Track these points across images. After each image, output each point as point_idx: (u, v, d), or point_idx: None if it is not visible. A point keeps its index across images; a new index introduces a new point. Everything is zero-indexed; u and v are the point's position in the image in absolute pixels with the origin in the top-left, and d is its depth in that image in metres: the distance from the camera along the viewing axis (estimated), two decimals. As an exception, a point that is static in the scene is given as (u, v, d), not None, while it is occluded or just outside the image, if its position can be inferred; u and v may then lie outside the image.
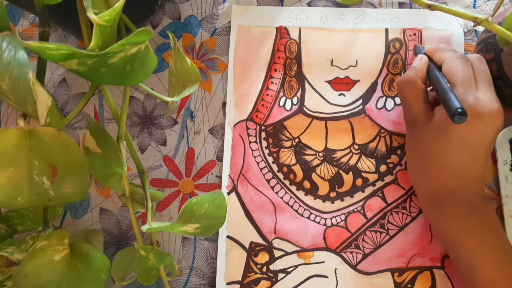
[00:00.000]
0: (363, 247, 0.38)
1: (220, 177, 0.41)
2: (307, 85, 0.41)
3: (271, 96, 0.42)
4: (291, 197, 0.40)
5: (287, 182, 0.40)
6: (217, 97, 0.43)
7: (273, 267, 0.39)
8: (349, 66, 0.41)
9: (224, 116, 0.42)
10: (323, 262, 0.38)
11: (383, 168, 0.39)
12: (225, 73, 0.43)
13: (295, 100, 0.41)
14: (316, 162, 0.40)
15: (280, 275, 0.39)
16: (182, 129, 0.43)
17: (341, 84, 0.41)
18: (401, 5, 0.42)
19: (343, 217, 0.39)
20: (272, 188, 0.40)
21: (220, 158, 0.42)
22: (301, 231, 0.39)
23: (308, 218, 0.39)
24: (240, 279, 0.39)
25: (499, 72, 0.33)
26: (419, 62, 0.35)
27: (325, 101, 0.41)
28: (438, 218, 0.35)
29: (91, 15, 0.25)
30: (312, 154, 0.40)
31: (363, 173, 0.40)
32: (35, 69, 0.27)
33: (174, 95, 0.35)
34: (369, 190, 0.39)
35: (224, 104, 0.42)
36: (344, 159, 0.40)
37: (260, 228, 0.40)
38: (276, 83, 0.42)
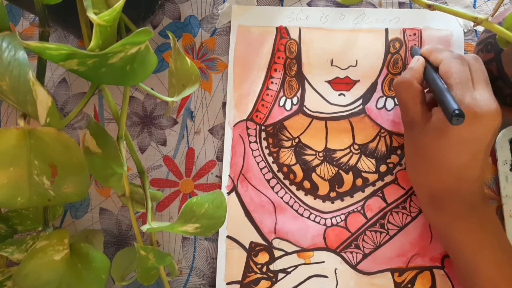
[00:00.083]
0: (363, 247, 0.38)
1: (220, 177, 0.41)
2: (307, 85, 0.41)
3: (271, 96, 0.42)
4: (291, 197, 0.40)
5: (287, 182, 0.40)
6: (217, 97, 0.43)
7: (273, 267, 0.39)
8: (349, 66, 0.41)
9: (224, 116, 0.42)
10: (323, 262, 0.39)
11: (383, 168, 0.39)
12: (225, 73, 0.43)
13: (295, 100, 0.41)
14: (316, 162, 0.40)
15: (280, 275, 0.39)
16: (182, 129, 0.43)
17: (341, 84, 0.41)
18: (401, 5, 0.42)
19: (343, 217, 0.39)
20: (272, 188, 0.40)
21: (220, 158, 0.42)
22: (301, 231, 0.39)
23: (308, 218, 0.39)
24: (240, 279, 0.39)
25: (499, 72, 0.33)
26: (416, 63, 0.35)
27: (325, 101, 0.41)
28: (438, 218, 0.35)
29: (91, 15, 0.25)
30: (312, 154, 0.40)
31: (363, 173, 0.40)
32: (35, 69, 0.27)
33: (174, 95, 0.35)
34: (369, 190, 0.39)
35: (224, 104, 0.42)
36: (344, 159, 0.40)
37: (260, 228, 0.40)
38: (276, 83, 0.42)
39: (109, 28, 0.26)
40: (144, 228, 0.31)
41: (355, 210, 0.39)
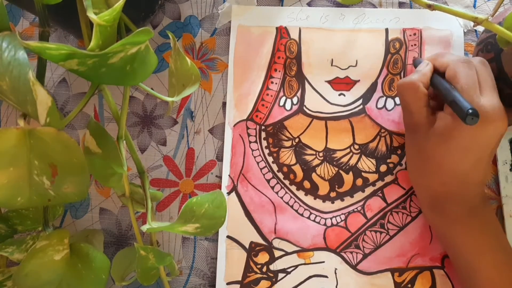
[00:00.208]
0: (363, 247, 0.38)
1: (220, 177, 0.41)
2: (307, 85, 0.41)
3: (271, 96, 0.42)
4: (291, 197, 0.40)
5: (287, 182, 0.40)
6: (217, 97, 0.43)
7: (273, 267, 0.39)
8: (349, 66, 0.41)
9: (224, 116, 0.42)
10: (323, 262, 0.39)
11: (383, 168, 0.39)
12: (225, 73, 0.43)
13: (295, 100, 0.41)
14: (316, 162, 0.40)
15: (280, 275, 0.39)
16: (182, 129, 0.43)
17: (341, 84, 0.41)
18: (401, 5, 0.42)
19: (343, 217, 0.39)
20: (272, 188, 0.40)
21: (220, 158, 0.42)
22: (301, 231, 0.39)
23: (308, 218, 0.39)
24: (240, 279, 0.39)
25: (499, 72, 0.33)
26: (425, 68, 0.34)
27: (325, 101, 0.41)
28: (438, 220, 0.35)
29: (91, 15, 0.25)
30: (312, 154, 0.40)
31: (363, 173, 0.40)
32: (35, 69, 0.27)
33: (174, 95, 0.35)
34: (369, 190, 0.39)
35: (224, 104, 0.42)
36: (344, 159, 0.40)
37: (260, 228, 0.40)
38: (276, 83, 0.42)
39: (109, 28, 0.26)
40: (144, 228, 0.31)
41: (355, 210, 0.39)
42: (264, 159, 0.41)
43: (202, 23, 0.44)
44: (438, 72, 0.34)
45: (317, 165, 0.40)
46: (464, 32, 0.40)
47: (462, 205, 0.33)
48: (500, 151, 0.37)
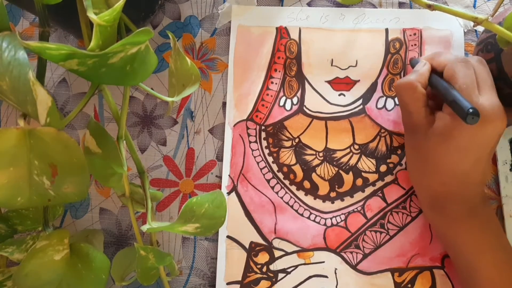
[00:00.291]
0: (363, 247, 0.38)
1: (220, 177, 0.41)
2: (307, 85, 0.41)
3: (271, 96, 0.42)
4: (291, 197, 0.40)
5: (287, 182, 0.40)
6: (217, 97, 0.43)
7: (273, 267, 0.39)
8: (349, 66, 0.41)
9: (224, 116, 0.42)
10: (323, 262, 0.39)
11: (383, 168, 0.39)
12: (225, 73, 0.43)
13: (295, 100, 0.41)
14: (316, 162, 0.40)
15: (280, 275, 0.39)
16: (182, 129, 0.43)
17: (341, 84, 0.41)
18: (401, 5, 0.42)
19: (343, 217, 0.39)
20: (272, 188, 0.40)
21: (220, 158, 0.42)
22: (301, 231, 0.39)
23: (308, 218, 0.39)
24: (240, 279, 0.39)
25: (499, 72, 0.33)
26: (422, 68, 0.34)
27: (325, 101, 0.41)
28: (438, 220, 0.35)
29: (91, 15, 0.25)
30: (312, 154, 0.40)
31: (363, 173, 0.40)
32: (35, 69, 0.27)
33: (174, 95, 0.35)
34: (369, 190, 0.39)
35: (224, 104, 0.42)
36: (344, 159, 0.40)
37: (260, 228, 0.40)
38: (276, 83, 0.42)
39: (109, 28, 0.26)
40: (144, 228, 0.31)
41: (355, 210, 0.39)
42: (264, 159, 0.41)
43: (202, 23, 0.44)
44: (436, 72, 0.34)
45: (317, 165, 0.40)
46: (464, 32, 0.40)
47: (462, 205, 0.33)
48: (500, 151, 0.37)
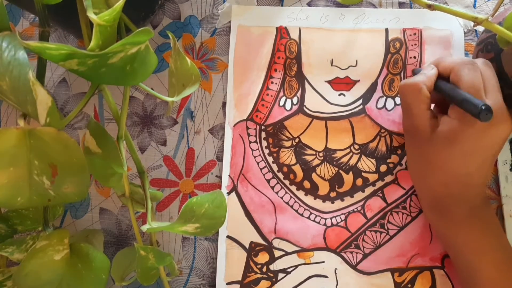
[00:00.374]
0: (363, 247, 0.38)
1: (220, 177, 0.41)
2: (307, 85, 0.41)
3: (271, 96, 0.42)
4: (291, 197, 0.40)
5: (287, 182, 0.40)
6: (217, 97, 0.43)
7: (273, 267, 0.39)
8: (349, 66, 0.41)
9: (224, 116, 0.42)
10: (323, 262, 0.38)
11: (383, 168, 0.39)
12: (225, 73, 0.43)
13: (295, 100, 0.41)
14: (316, 162, 0.40)
15: (280, 275, 0.39)
16: (182, 129, 0.43)
17: (341, 84, 0.41)
18: (401, 5, 0.42)
19: (343, 217, 0.39)
20: (272, 188, 0.40)
21: (220, 158, 0.42)
22: (301, 231, 0.39)
23: (308, 218, 0.39)
24: (240, 279, 0.39)
25: (499, 72, 0.33)
26: (430, 71, 0.34)
27: (325, 101, 0.41)
28: (439, 220, 0.35)
29: (91, 15, 0.25)
30: (312, 154, 0.40)
31: (363, 173, 0.39)
32: (35, 69, 0.27)
33: (174, 95, 0.35)
34: (369, 190, 0.39)
35: (224, 104, 0.42)
36: (344, 159, 0.40)
37: (260, 228, 0.40)
38: (276, 83, 0.42)
39: (109, 28, 0.26)
40: (144, 228, 0.31)
41: (355, 210, 0.39)
42: (264, 159, 0.41)
43: (202, 23, 0.44)
44: (441, 78, 0.34)
45: (317, 165, 0.40)
46: (464, 32, 0.40)
47: (463, 206, 0.33)
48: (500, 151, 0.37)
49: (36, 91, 0.24)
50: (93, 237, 0.39)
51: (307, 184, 0.40)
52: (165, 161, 0.42)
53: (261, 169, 0.41)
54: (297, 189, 0.40)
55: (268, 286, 0.39)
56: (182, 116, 0.43)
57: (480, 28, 0.40)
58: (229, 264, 0.39)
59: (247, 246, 0.39)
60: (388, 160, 0.40)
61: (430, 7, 0.33)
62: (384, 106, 0.40)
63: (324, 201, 0.40)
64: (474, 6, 0.41)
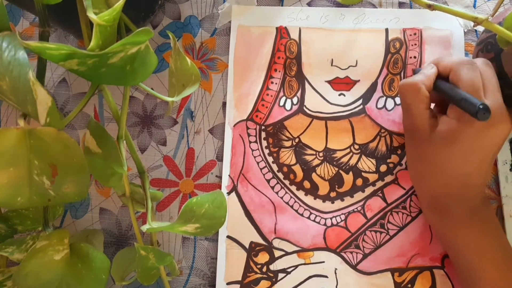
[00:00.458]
0: (363, 247, 0.38)
1: (220, 177, 0.41)
2: (307, 85, 0.41)
3: (271, 96, 0.42)
4: (291, 197, 0.40)
5: (287, 182, 0.40)
6: (217, 97, 0.43)
7: (273, 267, 0.39)
8: (349, 66, 0.41)
9: (224, 116, 0.42)
10: (323, 262, 0.39)
11: (383, 168, 0.39)
12: (225, 73, 0.43)
13: (295, 100, 0.41)
14: (316, 162, 0.40)
15: (280, 275, 0.39)
16: (182, 129, 0.43)
17: (341, 84, 0.41)
18: (401, 5, 0.42)
19: (343, 217, 0.39)
20: (272, 188, 0.40)
21: (220, 158, 0.42)
22: (301, 231, 0.39)
23: (308, 218, 0.39)
24: (240, 279, 0.39)
25: (499, 72, 0.33)
26: (429, 70, 0.34)
27: (325, 101, 0.41)
28: (438, 220, 0.35)
29: (91, 15, 0.25)
30: (312, 154, 0.40)
31: (363, 173, 0.39)
32: (35, 69, 0.27)
33: (174, 95, 0.35)
34: (369, 190, 0.39)
35: (224, 104, 0.42)
36: (344, 159, 0.40)
37: (260, 228, 0.40)
38: (276, 83, 0.42)
39: (109, 28, 0.26)
40: (144, 228, 0.31)
41: (355, 210, 0.39)
42: (264, 159, 0.41)
43: (202, 23, 0.44)
44: (440, 77, 0.34)
45: (317, 165, 0.40)
46: (464, 32, 0.40)
47: (462, 206, 0.33)
48: (500, 151, 0.37)
49: (36, 91, 0.24)
50: (93, 237, 0.39)
51: (307, 184, 0.40)
52: (165, 161, 0.42)
53: (261, 169, 0.41)
54: (297, 189, 0.40)
55: (268, 286, 0.39)
56: (182, 116, 0.43)
57: (480, 28, 0.40)
58: (229, 264, 0.39)
59: (247, 246, 0.39)
60: (388, 160, 0.40)
61: (430, 7, 0.33)
62: (384, 106, 0.40)
63: (324, 201, 0.40)
64: (474, 6, 0.41)
